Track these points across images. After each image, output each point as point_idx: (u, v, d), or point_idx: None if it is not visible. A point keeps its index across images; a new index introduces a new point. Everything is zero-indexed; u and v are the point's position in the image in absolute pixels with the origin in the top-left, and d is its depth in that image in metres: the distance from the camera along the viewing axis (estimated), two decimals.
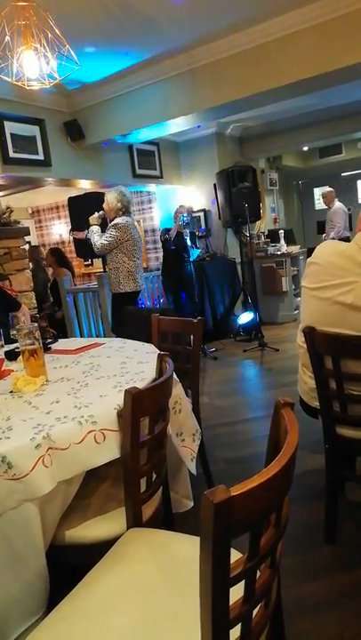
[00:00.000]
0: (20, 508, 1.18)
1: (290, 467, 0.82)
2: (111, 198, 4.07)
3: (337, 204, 7.22)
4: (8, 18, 2.32)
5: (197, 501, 1.92)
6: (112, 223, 4.04)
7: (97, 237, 4.08)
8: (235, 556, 0.78)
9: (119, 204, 4.05)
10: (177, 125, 5.09)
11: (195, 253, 5.41)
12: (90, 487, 1.53)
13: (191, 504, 1.89)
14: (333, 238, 6.87)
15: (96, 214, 4.21)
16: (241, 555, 0.81)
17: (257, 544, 0.79)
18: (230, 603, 0.76)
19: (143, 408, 1.35)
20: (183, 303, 5.64)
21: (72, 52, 2.41)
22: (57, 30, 2.35)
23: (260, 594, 0.85)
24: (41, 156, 4.79)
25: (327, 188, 7.47)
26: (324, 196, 7.35)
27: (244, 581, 0.79)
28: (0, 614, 1.18)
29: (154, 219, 7.83)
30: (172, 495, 1.85)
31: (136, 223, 4.19)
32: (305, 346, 1.82)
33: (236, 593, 0.79)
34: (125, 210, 4.09)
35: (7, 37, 2.28)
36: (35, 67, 2.39)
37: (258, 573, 0.84)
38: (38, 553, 1.22)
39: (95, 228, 4.12)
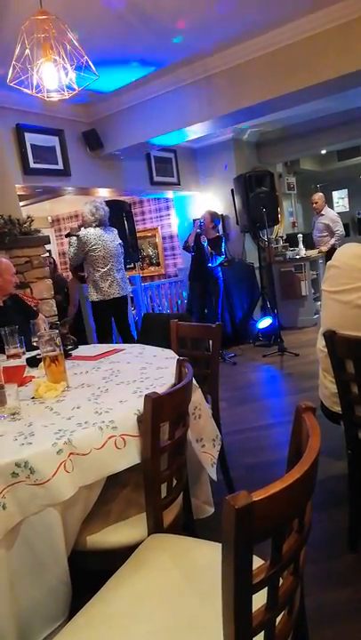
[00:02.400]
0: (42, 513, 1.19)
1: (312, 472, 0.81)
2: (86, 211, 4.34)
3: (329, 210, 7.09)
4: (28, 31, 2.37)
5: (218, 507, 1.91)
6: (75, 233, 4.32)
7: (70, 249, 4.35)
8: (257, 562, 0.77)
9: (92, 217, 4.30)
10: (194, 132, 5.11)
11: (217, 260, 5.40)
12: (111, 493, 1.53)
13: (212, 510, 1.88)
14: (334, 245, 6.78)
15: (76, 225, 4.46)
16: (263, 561, 0.80)
17: (279, 550, 0.78)
18: (253, 610, 0.76)
19: (163, 413, 1.35)
20: (203, 308, 5.62)
21: (90, 62, 2.45)
22: (75, 42, 2.39)
23: (283, 601, 0.84)
24: (60, 166, 4.86)
25: (318, 194, 7.17)
26: (315, 201, 7.01)
27: (266, 588, 0.78)
28: (23, 619, 1.19)
29: (171, 225, 7.86)
30: (192, 501, 1.84)
31: (107, 235, 4.37)
32: (326, 350, 1.80)
33: (259, 600, 0.78)
34: (99, 222, 4.33)
35: (27, 50, 2.33)
36: (54, 78, 2.43)
37: (281, 580, 0.83)
38: (60, 558, 1.22)
39: (73, 240, 4.32)
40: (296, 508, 0.81)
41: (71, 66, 2.41)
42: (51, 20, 2.37)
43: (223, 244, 5.46)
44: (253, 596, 0.74)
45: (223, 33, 3.89)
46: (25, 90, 2.50)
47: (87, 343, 4.35)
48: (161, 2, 3.27)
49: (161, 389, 1.59)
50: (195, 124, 4.77)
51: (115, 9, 3.24)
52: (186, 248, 5.47)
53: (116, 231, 4.51)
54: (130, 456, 1.34)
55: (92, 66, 2.49)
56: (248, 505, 0.68)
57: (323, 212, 7.01)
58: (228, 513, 0.68)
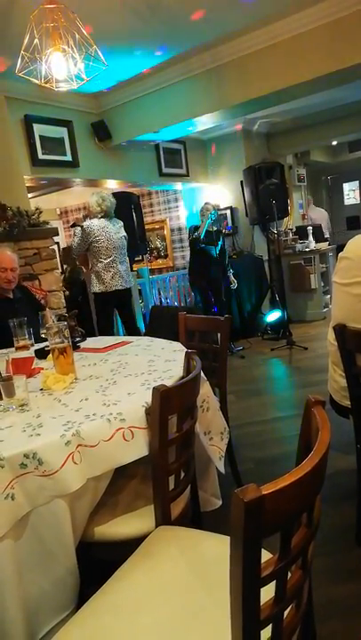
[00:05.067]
0: (50, 504, 1.20)
1: (322, 466, 0.81)
2: (92, 202, 4.36)
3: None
4: (36, 20, 2.35)
5: (225, 500, 1.91)
6: (80, 224, 4.33)
7: (75, 239, 4.36)
8: (265, 556, 0.77)
9: (98, 208, 4.33)
10: (203, 123, 5.07)
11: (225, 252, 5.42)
12: (118, 484, 1.54)
13: (219, 503, 1.88)
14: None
15: (81, 216, 4.51)
16: (271, 555, 0.80)
17: (288, 544, 0.78)
18: (261, 603, 0.75)
19: (171, 406, 1.34)
20: (211, 302, 5.61)
21: (99, 52, 2.43)
22: (84, 31, 2.37)
23: (291, 595, 0.84)
24: (69, 157, 4.85)
25: None
26: None
27: (275, 582, 0.78)
28: (31, 609, 1.20)
29: (180, 217, 7.83)
30: (200, 494, 1.84)
31: (112, 226, 4.38)
32: (336, 343, 1.78)
33: (267, 593, 0.77)
34: (105, 214, 4.35)
35: (36, 40, 2.31)
36: (63, 68, 2.41)
37: (289, 574, 0.83)
38: (68, 549, 1.23)
39: (77, 230, 4.33)
40: (305, 502, 0.80)
41: (80, 55, 2.39)
42: (60, 9, 2.35)
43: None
44: (261, 589, 0.74)
45: (233, 21, 3.83)
46: (33, 80, 2.49)
47: (95, 335, 4.35)
48: None
49: (169, 382, 1.59)
50: (204, 115, 4.73)
51: None
52: (195, 240, 5.43)
53: (121, 223, 4.51)
54: (138, 448, 1.34)
55: (101, 55, 2.47)
56: (257, 498, 0.67)
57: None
58: (237, 506, 0.67)
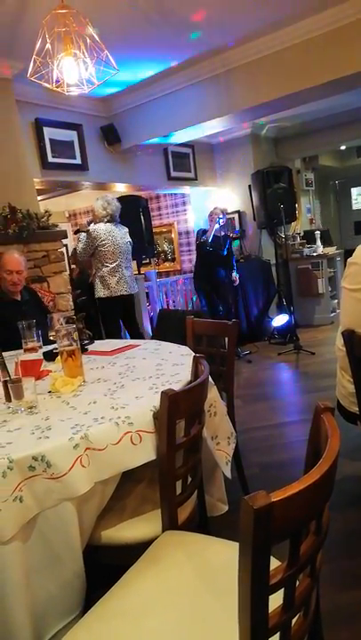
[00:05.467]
0: (57, 507, 1.20)
1: (331, 473, 0.80)
2: (97, 206, 4.35)
3: None
4: (49, 25, 2.37)
5: (232, 505, 1.91)
6: (85, 229, 4.32)
7: (80, 244, 4.35)
8: (273, 563, 0.77)
9: (104, 212, 4.31)
10: (212, 127, 5.08)
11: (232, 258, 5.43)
12: (125, 488, 1.54)
13: (226, 508, 1.88)
14: None
15: (85, 222, 4.49)
16: (280, 562, 0.80)
17: (297, 552, 0.77)
18: (269, 611, 0.75)
19: (179, 410, 1.34)
20: (216, 305, 5.62)
21: (110, 56, 2.44)
22: (96, 36, 2.38)
23: (299, 603, 0.83)
24: (78, 161, 4.88)
25: None
26: None
27: (283, 589, 0.78)
28: (38, 612, 1.20)
29: (188, 221, 7.84)
30: (206, 498, 1.84)
31: (117, 230, 4.38)
32: (344, 349, 1.78)
33: (275, 601, 0.77)
34: (111, 218, 4.33)
35: (48, 44, 2.33)
36: (74, 72, 2.43)
37: (297, 582, 0.83)
38: (75, 552, 1.23)
39: (82, 236, 4.33)
40: (314, 509, 0.80)
41: (91, 60, 2.41)
42: (71, 14, 2.37)
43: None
44: (270, 596, 0.74)
45: (243, 27, 3.85)
46: (45, 84, 2.51)
47: (102, 338, 4.36)
48: None
49: (177, 386, 1.59)
50: (213, 119, 4.74)
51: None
52: (202, 243, 5.44)
53: (127, 229, 4.50)
54: (146, 452, 1.34)
55: (112, 60, 2.48)
56: (267, 506, 0.67)
57: None
58: (247, 513, 0.67)
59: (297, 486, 0.72)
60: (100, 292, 4.34)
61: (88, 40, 2.37)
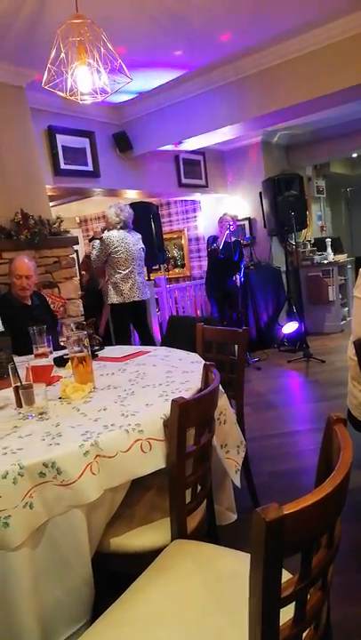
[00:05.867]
0: (67, 514, 1.20)
1: (343, 486, 0.80)
2: (110, 213, 4.38)
3: None
4: (63, 35, 2.40)
5: (241, 514, 1.89)
6: (99, 236, 4.36)
7: (93, 252, 4.39)
8: (284, 575, 0.76)
9: (117, 219, 4.34)
10: (224, 135, 5.10)
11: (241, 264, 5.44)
12: (134, 496, 1.53)
13: (235, 517, 1.87)
14: None
15: (99, 229, 4.50)
16: (290, 575, 0.79)
17: (309, 565, 0.77)
18: (280, 624, 0.74)
19: (190, 418, 1.34)
20: (227, 312, 5.62)
21: (123, 65, 2.47)
22: (109, 45, 2.41)
23: (310, 616, 0.83)
24: (90, 168, 4.92)
25: None
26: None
27: (294, 603, 0.77)
28: (46, 618, 1.20)
29: (198, 227, 7.85)
30: (215, 507, 1.83)
31: (130, 237, 4.40)
32: (356, 358, 1.77)
33: (286, 614, 0.76)
34: (124, 224, 4.36)
35: (62, 54, 2.36)
36: (88, 81, 2.46)
37: (308, 595, 0.82)
38: (84, 559, 1.23)
39: (96, 243, 4.36)
40: (327, 522, 0.79)
41: (105, 69, 2.43)
42: (86, 23, 2.40)
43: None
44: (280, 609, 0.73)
45: (255, 36, 3.86)
46: (59, 93, 2.54)
47: (111, 344, 4.37)
48: (193, 5, 3.27)
49: (187, 394, 1.59)
50: (225, 127, 4.76)
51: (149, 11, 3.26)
52: (213, 250, 5.45)
53: (140, 236, 4.52)
54: (155, 460, 1.34)
55: (126, 69, 2.51)
56: (279, 518, 0.66)
57: None
58: (258, 525, 0.66)
59: (310, 499, 0.72)
60: (113, 298, 4.36)
61: (102, 49, 2.40)
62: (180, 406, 1.30)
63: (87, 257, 6.44)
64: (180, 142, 5.15)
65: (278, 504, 0.68)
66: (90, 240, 4.54)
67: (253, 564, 0.69)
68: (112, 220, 4.36)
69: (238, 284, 5.53)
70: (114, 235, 4.30)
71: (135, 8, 3.22)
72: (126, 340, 4.49)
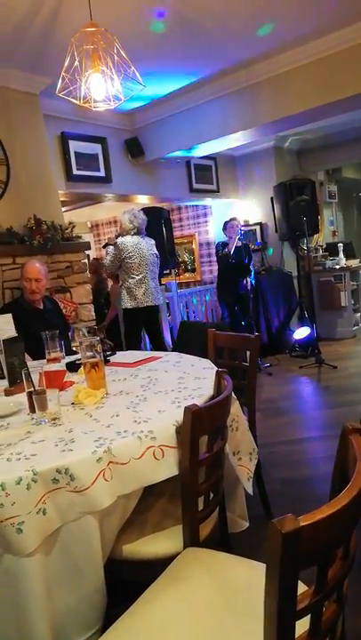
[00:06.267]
0: (80, 520, 1.20)
1: (360, 497, 0.79)
2: (124, 220, 4.40)
3: None
4: (77, 43, 2.43)
5: (252, 521, 1.88)
6: (113, 242, 4.37)
7: (107, 257, 4.41)
8: (299, 587, 0.75)
9: (131, 225, 4.36)
10: (236, 140, 5.11)
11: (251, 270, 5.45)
12: (147, 503, 1.53)
13: (247, 524, 1.85)
14: None
15: (113, 235, 4.51)
16: (304, 586, 0.78)
17: (325, 577, 0.76)
18: (295, 636, 0.74)
19: (203, 426, 1.34)
20: (238, 317, 5.61)
21: (137, 72, 2.48)
22: (123, 52, 2.43)
23: (326, 629, 0.82)
24: (102, 173, 4.95)
25: None
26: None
27: (309, 615, 0.76)
28: (58, 625, 1.20)
29: (209, 232, 7.86)
30: (227, 515, 1.82)
31: (144, 243, 4.43)
32: None
33: (301, 626, 0.76)
34: (138, 230, 4.38)
35: (76, 62, 2.38)
36: (101, 89, 2.47)
37: (323, 607, 0.81)
38: (97, 566, 1.23)
39: (110, 249, 4.39)
40: (343, 534, 0.79)
41: (118, 76, 2.45)
42: (100, 31, 2.42)
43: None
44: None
45: (267, 41, 3.87)
46: (73, 100, 2.56)
47: (122, 348, 4.39)
48: (206, 12, 3.29)
49: (199, 400, 1.58)
50: (237, 132, 4.76)
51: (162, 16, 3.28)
52: (224, 256, 5.44)
53: (153, 241, 4.54)
54: (168, 467, 1.34)
55: (139, 76, 2.52)
56: (295, 530, 0.66)
57: None
58: (274, 537, 0.66)
59: (326, 510, 0.71)
60: (127, 302, 4.38)
61: (115, 57, 2.42)
62: (193, 413, 1.30)
63: (96, 260, 6.49)
64: (192, 148, 5.16)
65: (294, 515, 0.68)
66: (104, 246, 4.56)
67: (269, 575, 0.69)
68: (126, 226, 4.38)
69: (249, 287, 5.54)
70: (128, 240, 4.33)
71: (147, 15, 3.24)
72: (137, 345, 4.51)
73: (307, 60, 4.09)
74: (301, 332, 5.78)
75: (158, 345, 4.64)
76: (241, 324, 5.47)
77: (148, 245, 4.43)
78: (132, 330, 4.50)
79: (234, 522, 1.83)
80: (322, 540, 0.72)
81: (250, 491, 1.85)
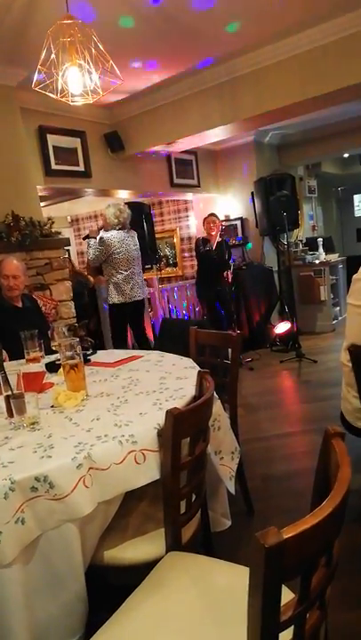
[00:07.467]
0: (60, 528, 1.18)
1: (343, 505, 0.78)
2: (109, 214, 4.35)
3: None
4: (54, 35, 2.37)
5: (234, 519, 1.88)
6: (98, 237, 4.30)
7: (90, 250, 4.34)
8: (283, 593, 0.75)
9: (116, 220, 4.33)
10: (216, 135, 5.08)
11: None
12: (128, 507, 1.51)
13: (229, 523, 1.85)
14: None
15: (95, 228, 4.48)
16: (289, 591, 0.77)
17: (308, 586, 0.75)
18: None
19: (184, 429, 1.32)
20: (219, 312, 5.61)
21: (115, 66, 2.44)
22: (101, 46, 2.38)
23: (309, 635, 0.81)
24: (82, 168, 4.87)
25: None
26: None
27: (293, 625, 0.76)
28: (39, 634, 1.18)
29: (190, 227, 7.83)
30: (210, 514, 1.81)
31: (130, 238, 4.43)
32: (350, 364, 1.76)
33: (285, 635, 0.75)
34: (122, 225, 4.35)
35: (53, 55, 2.33)
36: (79, 83, 2.42)
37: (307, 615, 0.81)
38: (78, 574, 1.21)
39: (92, 242, 4.33)
40: (327, 542, 0.78)
41: (96, 70, 2.40)
42: (76, 24, 2.36)
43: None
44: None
45: (248, 36, 3.84)
46: (49, 94, 2.50)
47: (105, 348, 4.35)
48: (186, 4, 3.24)
49: (181, 401, 1.57)
50: (217, 127, 4.73)
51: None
52: (206, 252, 5.44)
53: (135, 234, 4.53)
54: (149, 472, 1.32)
55: (117, 70, 2.47)
56: (279, 544, 0.65)
57: None
58: (258, 551, 0.65)
59: (309, 521, 0.70)
60: (115, 298, 4.37)
61: (93, 50, 2.37)
62: (174, 417, 1.29)
63: (70, 262, 6.40)
64: (172, 142, 5.11)
65: (277, 528, 0.67)
66: (84, 238, 4.51)
67: (252, 588, 0.68)
68: (110, 220, 4.35)
69: (229, 280, 5.56)
70: (114, 235, 4.30)
71: (126, 9, 3.18)
72: (123, 340, 4.51)
73: (285, 56, 4.08)
74: (282, 327, 5.82)
75: (142, 339, 4.65)
76: (222, 319, 5.47)
77: (134, 241, 4.44)
78: (119, 325, 4.50)
79: (216, 521, 1.83)
80: (305, 551, 0.71)
81: (232, 490, 1.85)
